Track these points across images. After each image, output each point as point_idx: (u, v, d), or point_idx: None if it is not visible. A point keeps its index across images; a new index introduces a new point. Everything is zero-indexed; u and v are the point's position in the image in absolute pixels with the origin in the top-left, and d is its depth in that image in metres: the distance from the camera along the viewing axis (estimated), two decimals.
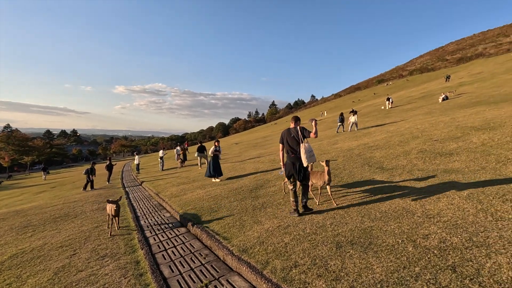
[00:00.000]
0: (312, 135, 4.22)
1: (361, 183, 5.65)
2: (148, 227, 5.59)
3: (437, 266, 2.45)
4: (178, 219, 5.82)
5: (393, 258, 2.71)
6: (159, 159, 18.14)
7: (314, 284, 2.52)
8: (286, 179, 5.31)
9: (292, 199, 4.49)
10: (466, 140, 7.08)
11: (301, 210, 4.55)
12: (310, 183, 4.93)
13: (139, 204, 8.04)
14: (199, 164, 14.39)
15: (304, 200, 4.55)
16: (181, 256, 3.98)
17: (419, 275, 2.37)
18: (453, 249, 2.66)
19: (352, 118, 15.17)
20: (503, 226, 2.93)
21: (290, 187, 4.53)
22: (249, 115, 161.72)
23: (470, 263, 2.41)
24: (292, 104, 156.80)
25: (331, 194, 4.86)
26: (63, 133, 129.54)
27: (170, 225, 5.57)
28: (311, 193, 5.26)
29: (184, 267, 3.63)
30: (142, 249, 4.37)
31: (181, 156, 17.83)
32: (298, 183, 4.65)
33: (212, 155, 9.21)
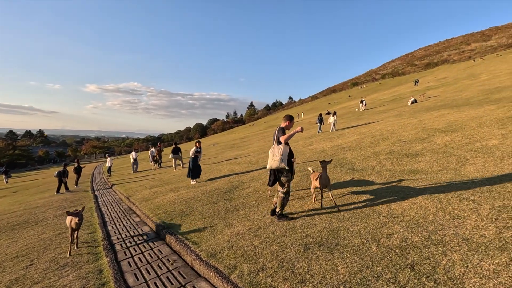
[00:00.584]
0: (281, 138, 4.12)
1: (332, 184, 5.76)
2: (115, 233, 5.33)
3: (398, 265, 2.52)
4: (148, 224, 5.62)
5: (357, 258, 2.76)
6: (131, 161, 17.51)
7: None
8: None
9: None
10: (430, 142, 7.46)
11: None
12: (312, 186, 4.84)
13: (107, 209, 7.67)
14: (173, 166, 14.05)
15: (274, 205, 4.41)
16: (148, 262, 3.83)
17: (380, 275, 2.43)
18: (413, 248, 2.77)
19: (331, 119, 15.92)
20: (459, 224, 3.09)
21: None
22: (227, 116, 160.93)
23: (428, 261, 2.51)
24: (270, 105, 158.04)
25: (333, 200, 4.47)
26: (28, 133, 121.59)
27: (139, 230, 5.35)
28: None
29: (150, 274, 3.49)
30: (107, 257, 4.15)
31: (157, 158, 17.37)
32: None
33: (193, 156, 8.97)
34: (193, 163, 8.93)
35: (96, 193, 11.24)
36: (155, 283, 3.24)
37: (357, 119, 18.93)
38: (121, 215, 6.78)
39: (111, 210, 7.49)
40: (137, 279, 3.41)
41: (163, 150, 20.25)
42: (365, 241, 3.09)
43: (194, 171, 8.92)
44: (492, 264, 2.31)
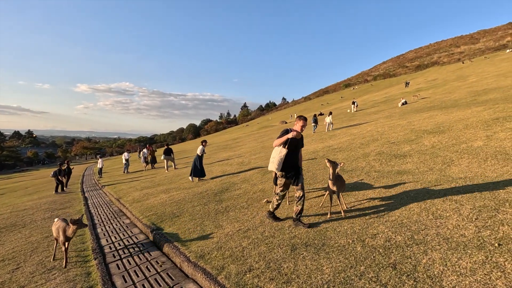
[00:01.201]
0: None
1: (321, 185, 5.83)
2: (104, 235, 5.30)
3: (380, 264, 2.59)
4: (138, 226, 5.59)
5: (342, 258, 2.82)
6: (123, 162, 17.35)
7: None
8: None
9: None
10: (418, 143, 7.61)
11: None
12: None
13: (97, 211, 7.60)
14: (165, 167, 13.98)
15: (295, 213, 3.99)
16: (137, 265, 3.82)
17: (363, 274, 2.49)
18: (396, 247, 2.84)
19: (328, 119, 16.36)
20: (441, 223, 3.18)
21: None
22: (220, 117, 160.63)
23: (409, 260, 2.59)
24: (263, 106, 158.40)
25: (342, 205, 4.20)
26: (16, 134, 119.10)
27: (129, 232, 5.33)
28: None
29: (138, 276, 3.49)
30: (95, 259, 4.13)
31: (149, 159, 17.23)
32: (293, 187, 4.05)
33: (200, 154, 9.11)
34: (200, 162, 9.08)
35: (86, 194, 11.10)
36: (143, 285, 3.24)
37: (348, 120, 19.15)
38: (111, 217, 6.73)
39: (101, 212, 7.43)
40: (125, 281, 3.40)
41: (156, 151, 20.11)
42: (350, 241, 3.16)
43: (202, 170, 9.09)
44: (470, 262, 2.40)
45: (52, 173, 12.34)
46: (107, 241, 4.94)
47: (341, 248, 3.02)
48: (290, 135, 3.73)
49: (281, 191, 4.05)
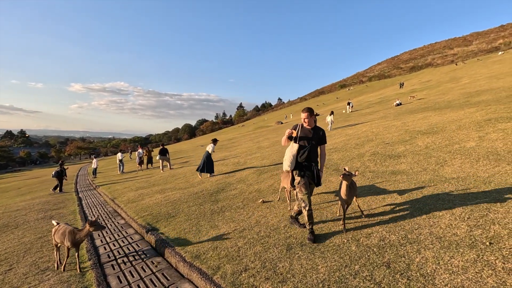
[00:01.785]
0: None
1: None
2: (99, 236, 5.26)
3: (374, 263, 2.63)
4: (133, 227, 5.57)
5: (337, 257, 2.85)
6: (118, 162, 17.21)
7: (261, 287, 2.56)
8: None
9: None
10: (412, 143, 7.70)
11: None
12: None
13: (91, 211, 7.54)
14: (161, 167, 13.91)
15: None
16: (132, 265, 3.81)
17: (358, 273, 2.52)
18: (390, 246, 2.88)
19: (328, 118, 16.58)
20: (434, 223, 3.23)
21: None
22: (216, 117, 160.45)
23: (403, 259, 2.63)
24: (259, 106, 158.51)
25: (360, 207, 3.98)
26: (8, 133, 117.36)
27: (124, 232, 5.30)
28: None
29: (133, 276, 3.47)
30: (89, 260, 4.10)
31: (144, 159, 17.11)
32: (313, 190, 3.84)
33: (210, 152, 9.39)
34: (210, 158, 9.37)
35: (80, 195, 11.00)
36: (138, 285, 3.23)
37: (344, 121, 19.27)
38: (106, 217, 6.68)
39: (96, 212, 7.37)
40: (120, 282, 3.39)
41: (152, 151, 20.00)
42: (345, 240, 3.19)
43: (207, 165, 9.30)
44: (462, 261, 2.44)
45: (53, 173, 12.17)
46: (102, 242, 4.90)
47: (336, 248, 3.05)
48: (287, 132, 3.56)
49: (303, 194, 3.38)
